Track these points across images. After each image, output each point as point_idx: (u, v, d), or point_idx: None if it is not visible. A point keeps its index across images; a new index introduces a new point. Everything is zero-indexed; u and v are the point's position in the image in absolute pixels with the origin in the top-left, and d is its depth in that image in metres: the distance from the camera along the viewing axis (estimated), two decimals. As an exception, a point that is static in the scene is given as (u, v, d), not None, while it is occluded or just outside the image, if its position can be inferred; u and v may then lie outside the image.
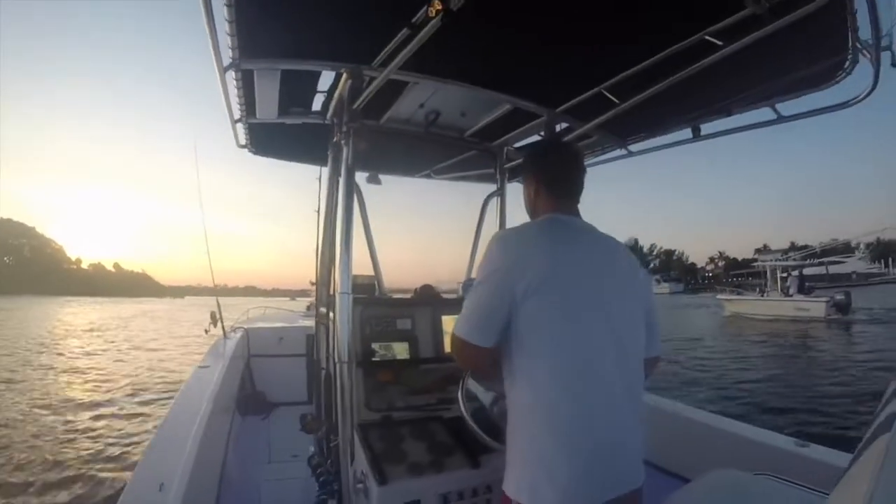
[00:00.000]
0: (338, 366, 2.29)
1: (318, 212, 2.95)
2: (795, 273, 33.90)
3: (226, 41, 1.92)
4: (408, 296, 2.93)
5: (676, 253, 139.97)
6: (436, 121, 2.92)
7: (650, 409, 2.84)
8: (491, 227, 3.32)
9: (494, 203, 3.37)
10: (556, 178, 1.61)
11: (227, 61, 2.08)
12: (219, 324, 5.65)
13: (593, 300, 1.38)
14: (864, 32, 1.81)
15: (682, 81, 2.13)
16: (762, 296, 33.77)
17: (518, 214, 1.71)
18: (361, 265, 2.79)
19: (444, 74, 2.39)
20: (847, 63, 2.03)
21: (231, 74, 2.23)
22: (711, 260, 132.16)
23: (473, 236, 3.36)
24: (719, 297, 38.40)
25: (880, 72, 1.89)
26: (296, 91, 2.56)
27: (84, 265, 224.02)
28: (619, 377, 1.36)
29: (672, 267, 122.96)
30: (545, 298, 1.34)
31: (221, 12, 1.68)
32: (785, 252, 48.62)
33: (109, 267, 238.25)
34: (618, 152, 3.20)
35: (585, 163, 3.23)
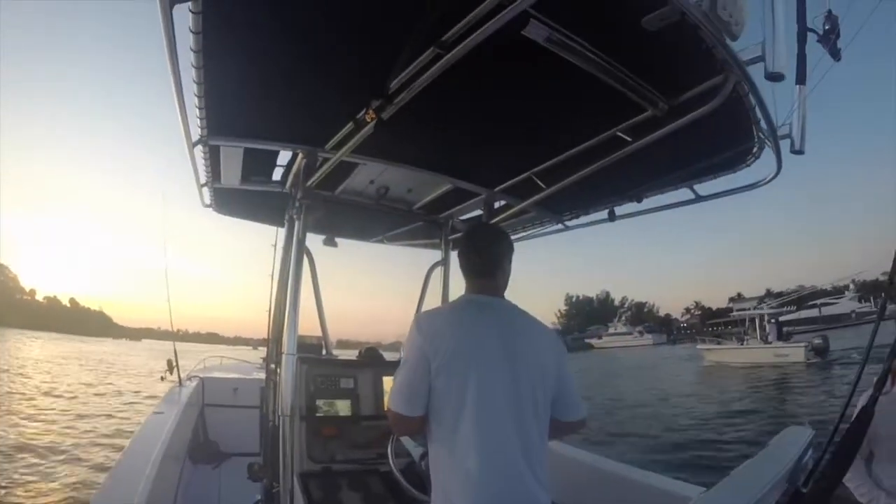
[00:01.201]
0: (282, 419, 2.50)
1: (272, 274, 3.16)
2: (774, 320, 34.69)
3: (195, 120, 2.22)
4: (353, 356, 3.15)
5: (647, 305, 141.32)
6: (386, 195, 3.25)
7: (576, 463, 3.27)
8: (435, 295, 3.62)
9: (440, 272, 3.68)
10: (473, 261, 1.84)
11: (195, 136, 2.40)
12: (175, 371, 5.71)
13: (498, 375, 1.61)
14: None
15: (600, 171, 2.50)
16: (742, 344, 34.47)
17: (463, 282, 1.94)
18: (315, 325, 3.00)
19: (390, 158, 2.74)
20: (755, 149, 2.37)
21: (199, 147, 2.52)
22: (687, 310, 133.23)
23: (417, 303, 3.64)
24: (699, 346, 39.05)
25: (782, 157, 2.19)
26: (258, 163, 2.87)
27: (39, 297, 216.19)
28: (519, 445, 1.58)
29: (644, 318, 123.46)
30: (453, 374, 1.58)
31: (192, 90, 1.96)
32: (760, 299, 49.74)
33: (65, 301, 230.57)
34: (555, 226, 3.57)
35: (526, 234, 3.69)
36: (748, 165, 2.49)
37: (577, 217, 3.42)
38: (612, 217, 3.12)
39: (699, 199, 2.78)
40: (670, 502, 2.61)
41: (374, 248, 4.41)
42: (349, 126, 2.16)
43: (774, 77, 1.67)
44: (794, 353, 29.09)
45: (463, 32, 1.55)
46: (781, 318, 37.97)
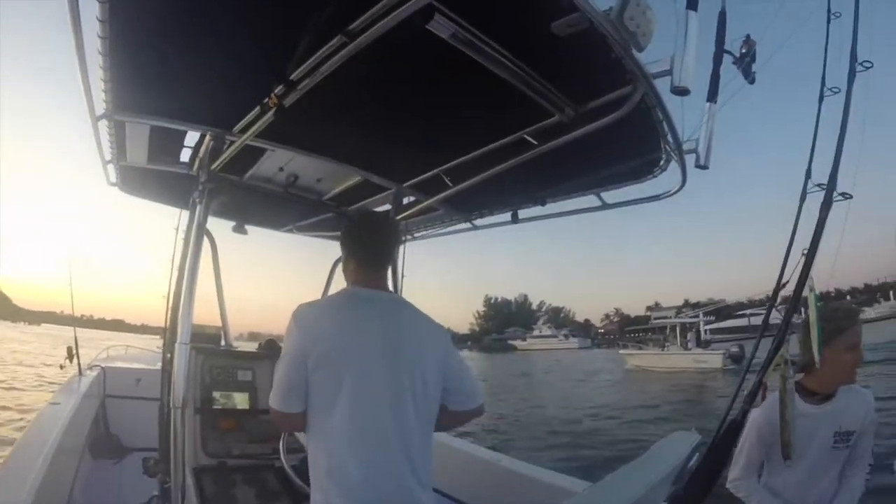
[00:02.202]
0: (173, 411, 2.42)
1: (172, 259, 3.05)
2: (703, 328, 36.89)
3: (100, 94, 2.13)
4: (253, 348, 3.10)
5: (564, 310, 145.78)
6: (295, 183, 3.22)
7: (465, 455, 3.35)
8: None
9: None
10: (363, 250, 1.81)
11: (100, 111, 2.30)
12: (75, 359, 5.39)
13: (377, 371, 1.60)
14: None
15: (506, 172, 2.59)
16: (663, 350, 36.29)
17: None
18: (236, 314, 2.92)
19: (298, 145, 2.71)
20: (661, 161, 2.47)
21: (104, 122, 2.42)
22: (607, 316, 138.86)
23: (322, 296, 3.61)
24: (621, 351, 40.89)
25: (687, 170, 2.30)
26: (165, 142, 2.77)
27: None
28: (399, 443, 1.58)
29: (561, 323, 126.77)
30: (330, 369, 1.56)
31: (97, 62, 1.87)
32: (678, 309, 52.56)
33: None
34: (464, 225, 3.63)
35: (435, 231, 3.71)
36: (654, 176, 2.59)
37: (484, 217, 3.49)
38: (514, 219, 3.21)
39: (605, 206, 2.89)
40: (557, 496, 2.69)
41: (295, 239, 4.35)
42: (256, 110, 2.13)
43: (679, 91, 1.74)
44: (712, 359, 30.78)
45: (370, 22, 1.54)
46: (712, 327, 40.29)
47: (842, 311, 2.13)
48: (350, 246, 1.82)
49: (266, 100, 1.89)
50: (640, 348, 41.35)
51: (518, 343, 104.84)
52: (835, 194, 1.68)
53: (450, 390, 1.75)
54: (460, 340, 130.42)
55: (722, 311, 55.09)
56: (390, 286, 3.42)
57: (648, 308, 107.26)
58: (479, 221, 3.56)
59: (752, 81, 2.57)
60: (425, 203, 3.28)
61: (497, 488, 3.14)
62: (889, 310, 64.05)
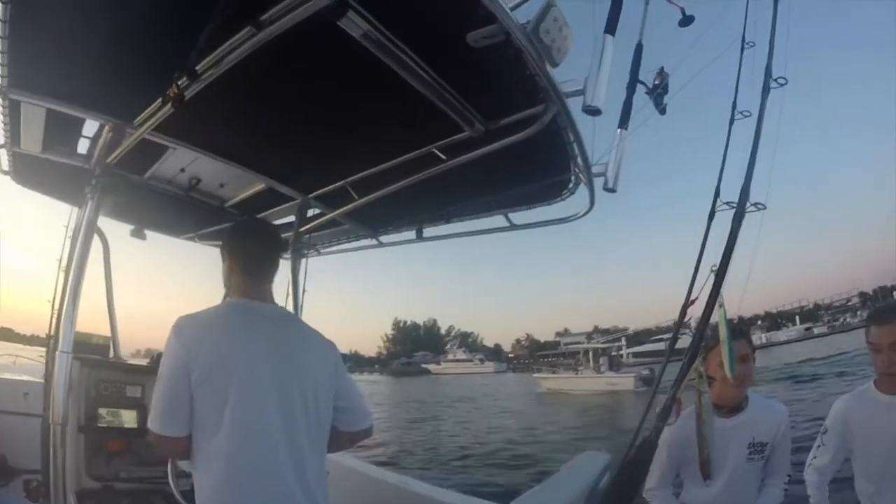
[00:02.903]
0: (52, 428, 2.21)
1: (60, 259, 2.80)
2: (625, 351, 38.56)
3: None
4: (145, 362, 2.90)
5: (473, 335, 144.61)
6: (196, 186, 3.05)
7: (362, 477, 3.28)
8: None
9: None
10: (245, 260, 1.69)
11: None
12: None
13: (264, 388, 1.48)
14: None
15: (413, 186, 2.53)
16: (576, 373, 37.52)
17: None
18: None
19: (200, 144, 2.55)
20: (571, 184, 2.50)
21: None
22: (518, 341, 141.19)
23: None
24: (535, 375, 41.98)
25: (595, 193, 2.34)
26: (62, 130, 2.57)
27: None
28: (291, 463, 1.47)
29: (470, 348, 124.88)
30: (213, 387, 1.42)
31: None
32: (589, 335, 54.85)
33: None
34: (370, 241, 3.54)
35: (340, 247, 3.61)
36: (563, 199, 2.61)
37: (390, 233, 3.43)
38: (419, 236, 3.18)
39: (513, 227, 2.90)
40: None
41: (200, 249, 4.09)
42: (157, 103, 1.98)
43: (591, 111, 1.76)
44: (624, 382, 32.01)
45: (280, 13, 1.47)
46: (635, 350, 42.07)
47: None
48: (231, 255, 1.70)
49: (168, 91, 1.73)
50: (554, 372, 42.51)
51: (432, 367, 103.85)
52: (748, 205, 1.72)
53: (341, 409, 1.66)
54: (366, 363, 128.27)
55: (633, 337, 58.23)
56: (290, 301, 3.32)
57: (558, 334, 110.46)
58: (385, 238, 3.49)
59: (662, 112, 2.68)
60: (330, 216, 3.17)
61: None
62: (797, 333, 69.91)
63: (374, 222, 3.35)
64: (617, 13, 1.92)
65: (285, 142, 2.50)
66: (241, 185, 3.05)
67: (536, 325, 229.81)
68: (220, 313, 1.61)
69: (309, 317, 3.35)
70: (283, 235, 3.41)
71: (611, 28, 1.86)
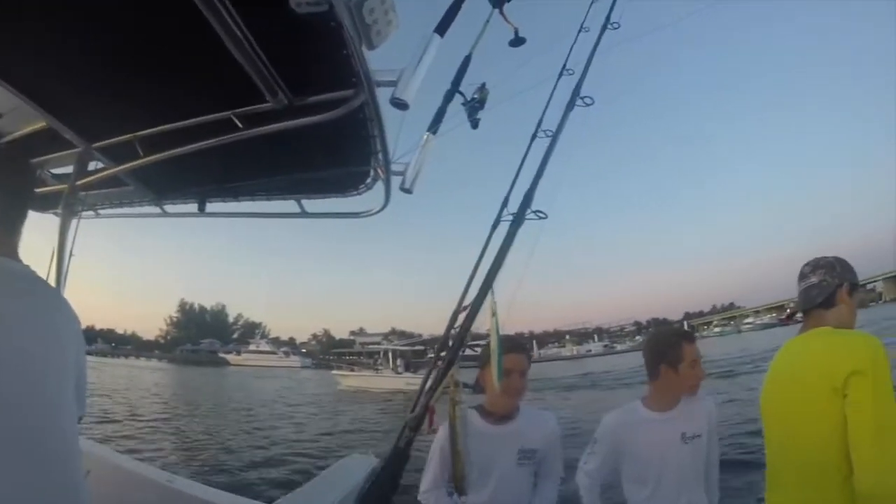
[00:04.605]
0: None
1: None
2: (430, 356, 40.02)
3: None
4: None
5: (262, 326, 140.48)
6: None
7: (128, 474, 3.02)
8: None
9: None
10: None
11: None
12: None
13: (12, 355, 1.21)
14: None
15: (205, 153, 2.28)
16: (377, 372, 38.30)
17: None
18: None
19: None
20: (369, 179, 2.43)
21: None
22: (314, 336, 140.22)
23: None
24: (334, 372, 41.91)
25: (391, 192, 2.30)
26: None
27: None
28: (43, 451, 1.21)
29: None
30: None
31: None
32: (385, 335, 56.51)
33: None
34: (154, 209, 3.18)
35: (123, 211, 3.20)
36: (359, 193, 2.56)
37: (177, 203, 3.10)
38: (201, 209, 2.92)
39: (304, 214, 2.77)
40: None
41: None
42: None
43: (398, 104, 1.71)
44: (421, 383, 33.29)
45: None
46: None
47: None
48: None
49: None
50: (353, 370, 43.01)
51: (231, 357, 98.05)
52: (528, 212, 1.76)
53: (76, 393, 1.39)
54: (144, 347, 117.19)
55: (429, 342, 61.38)
56: (54, 264, 2.79)
57: (352, 332, 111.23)
58: (171, 208, 3.12)
59: (475, 126, 2.72)
60: (112, 171, 2.75)
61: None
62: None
63: (160, 186, 2.97)
64: (452, 16, 1.90)
65: (74, 80, 2.10)
66: (22, 118, 2.53)
67: (333, 322, 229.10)
68: None
69: (74, 285, 2.94)
70: (57, 187, 2.94)
71: (441, 29, 1.84)
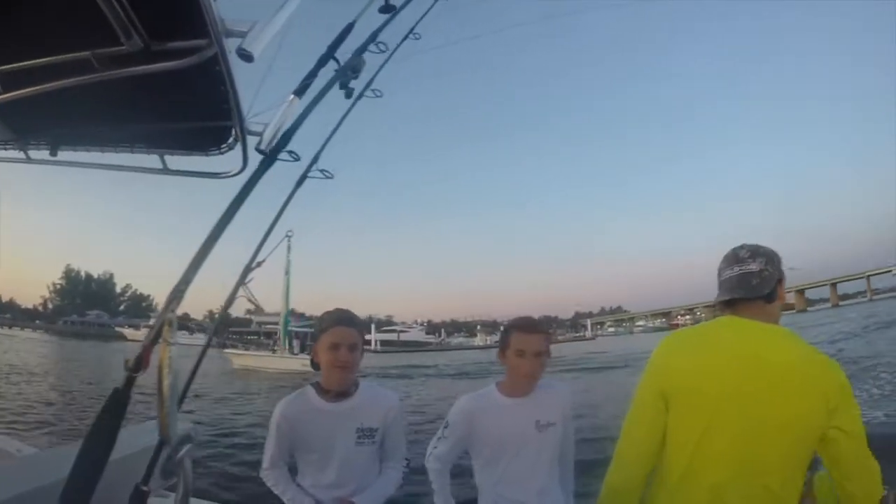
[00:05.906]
0: None
1: None
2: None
3: None
4: None
5: (150, 299, 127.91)
6: None
7: None
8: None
9: None
10: None
11: None
12: None
13: None
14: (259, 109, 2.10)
15: (65, 93, 2.06)
16: (273, 353, 37.85)
17: None
18: None
19: None
20: (231, 138, 2.31)
21: None
22: (211, 313, 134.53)
23: None
24: (226, 351, 39.13)
25: (248, 153, 2.18)
26: None
27: None
28: None
29: (143, 313, 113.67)
30: None
31: None
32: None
33: None
34: (18, 155, 2.82)
35: None
36: (221, 152, 2.44)
37: (41, 148, 2.74)
38: (53, 154, 2.65)
39: (166, 171, 2.60)
40: None
41: None
42: None
43: (243, 54, 1.65)
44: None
45: None
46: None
47: (327, 316, 2.38)
48: None
49: None
50: (247, 349, 42.06)
51: (128, 332, 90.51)
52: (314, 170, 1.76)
53: None
54: (24, 316, 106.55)
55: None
56: None
57: (248, 311, 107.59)
58: (35, 154, 2.77)
59: (348, 95, 2.64)
60: None
61: None
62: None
63: (18, 127, 2.67)
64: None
65: None
66: None
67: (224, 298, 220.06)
68: None
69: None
70: None
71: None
